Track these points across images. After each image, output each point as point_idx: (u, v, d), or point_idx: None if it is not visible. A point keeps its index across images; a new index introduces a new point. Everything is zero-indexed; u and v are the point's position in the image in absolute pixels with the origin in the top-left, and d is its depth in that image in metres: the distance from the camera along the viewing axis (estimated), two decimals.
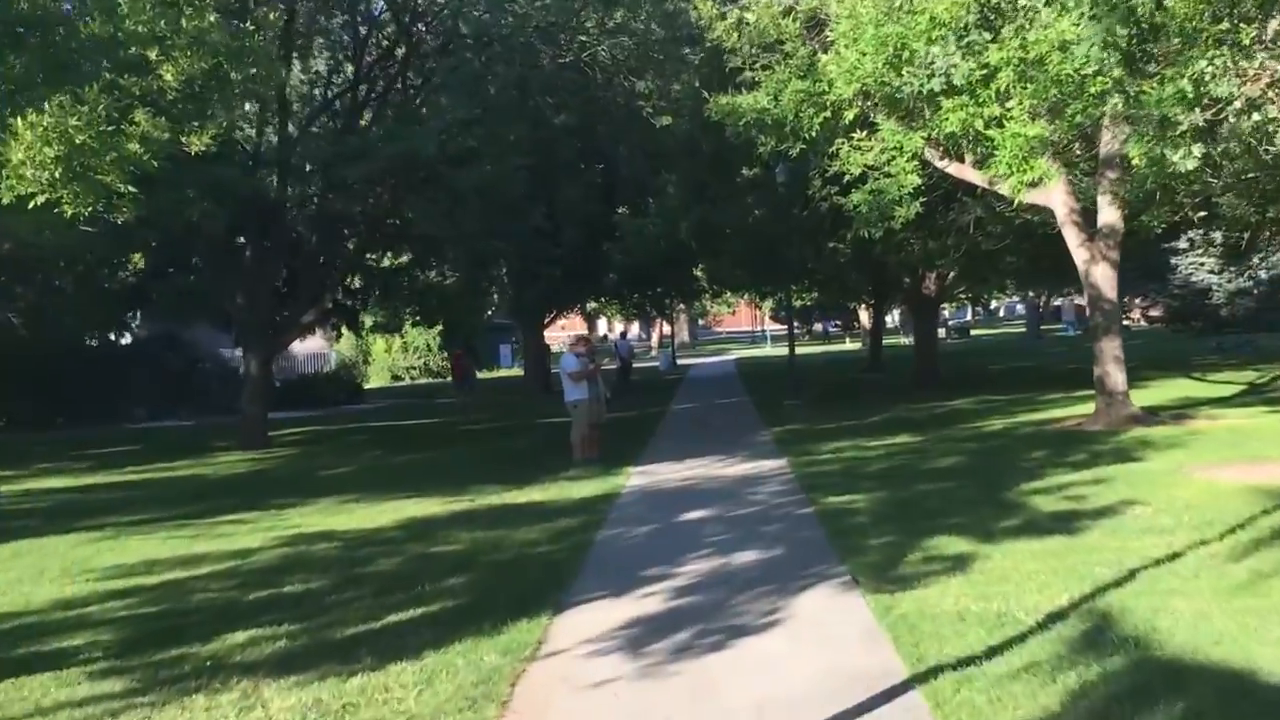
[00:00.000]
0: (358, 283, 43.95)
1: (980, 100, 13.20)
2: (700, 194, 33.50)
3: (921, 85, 11.80)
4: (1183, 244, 58.09)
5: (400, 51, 25.42)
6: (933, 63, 11.80)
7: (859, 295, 50.50)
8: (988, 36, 11.18)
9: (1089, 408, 22.95)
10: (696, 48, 24.15)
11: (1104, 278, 19.96)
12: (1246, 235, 34.00)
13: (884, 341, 52.10)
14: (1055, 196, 20.02)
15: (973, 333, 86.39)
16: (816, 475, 16.10)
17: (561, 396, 19.84)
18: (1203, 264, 61.84)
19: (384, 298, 43.19)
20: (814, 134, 16.75)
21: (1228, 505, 11.71)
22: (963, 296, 60.63)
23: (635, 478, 17.18)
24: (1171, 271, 55.79)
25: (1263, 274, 61.88)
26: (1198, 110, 10.65)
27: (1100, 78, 12.74)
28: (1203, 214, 28.47)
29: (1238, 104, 10.48)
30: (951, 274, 34.96)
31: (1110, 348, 20.06)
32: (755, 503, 14.07)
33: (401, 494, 16.59)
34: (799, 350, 73.65)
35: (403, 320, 43.95)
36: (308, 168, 24.77)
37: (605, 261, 39.77)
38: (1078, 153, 15.53)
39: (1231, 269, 59.21)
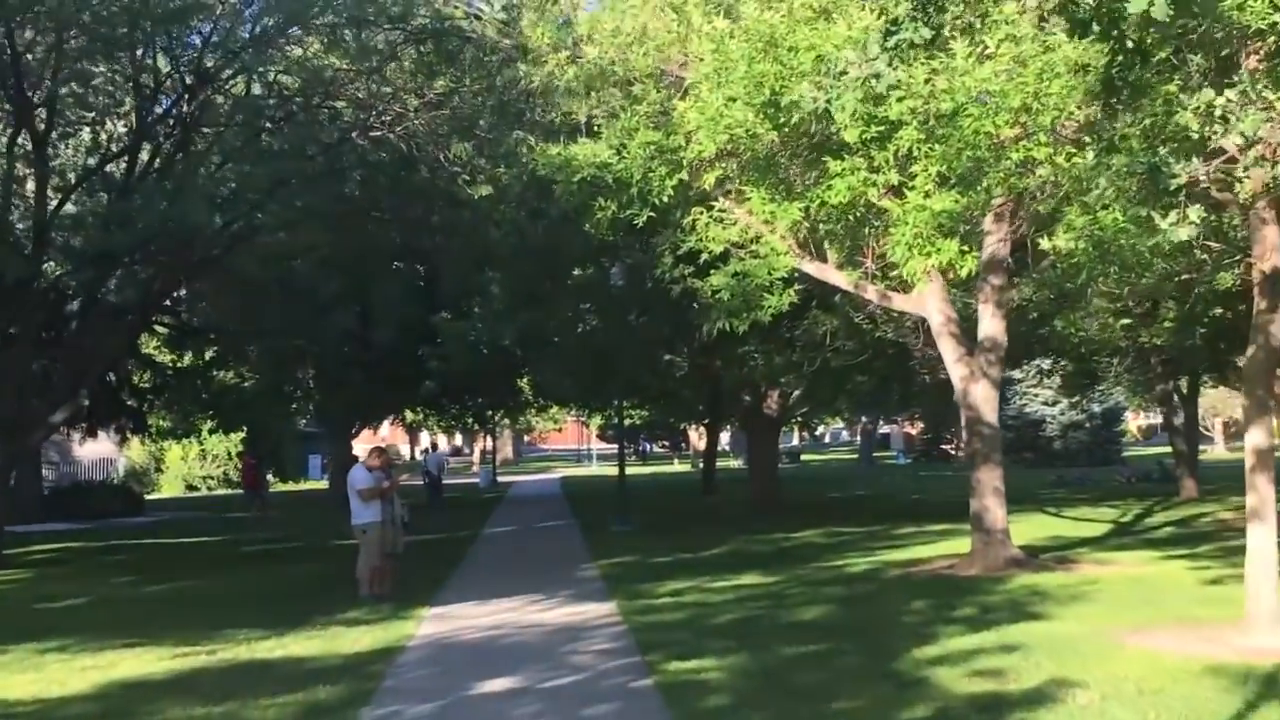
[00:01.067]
0: (145, 381, 40.09)
1: (875, 164, 10.50)
2: (528, 296, 30.59)
3: (831, 98, 8.98)
4: (1017, 373, 57.39)
5: (184, 110, 22.08)
6: (843, 72, 8.98)
7: (693, 413, 48.07)
8: (926, 34, 8.42)
9: (953, 546, 20.44)
10: (527, 111, 21.28)
11: (984, 398, 17.47)
12: (1105, 362, 32.20)
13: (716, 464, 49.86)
14: (930, 303, 17.54)
15: (803, 458, 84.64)
16: (654, 628, 12.97)
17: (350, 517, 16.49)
18: (1037, 395, 61.27)
19: (174, 399, 39.30)
20: (666, 199, 13.86)
21: (1193, 692, 8.96)
22: (800, 419, 58.58)
23: (429, 623, 13.84)
24: (1005, 402, 54.06)
25: (1095, 407, 61.54)
26: (1196, 159, 8.04)
27: (1026, 142, 10.18)
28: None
29: (1257, 151, 7.90)
30: (795, 393, 32.54)
31: (990, 479, 17.49)
32: (577, 667, 10.87)
33: (128, 638, 12.99)
34: (627, 471, 71.09)
35: (195, 424, 39.85)
36: (67, 241, 21.20)
37: (423, 368, 36.39)
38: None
39: (1066, 400, 58.65)
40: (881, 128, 10.42)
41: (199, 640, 12.75)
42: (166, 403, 39.36)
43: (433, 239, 32.68)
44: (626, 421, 70.29)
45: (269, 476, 36.43)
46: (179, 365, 38.58)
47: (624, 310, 30.21)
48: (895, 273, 19.78)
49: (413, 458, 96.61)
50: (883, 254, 18.21)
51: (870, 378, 30.55)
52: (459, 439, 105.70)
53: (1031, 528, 23.46)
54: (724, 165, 13.45)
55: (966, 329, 18.34)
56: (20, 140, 21.21)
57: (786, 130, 11.25)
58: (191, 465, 57.68)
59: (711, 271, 14.99)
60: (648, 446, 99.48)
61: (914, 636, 11.82)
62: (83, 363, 21.94)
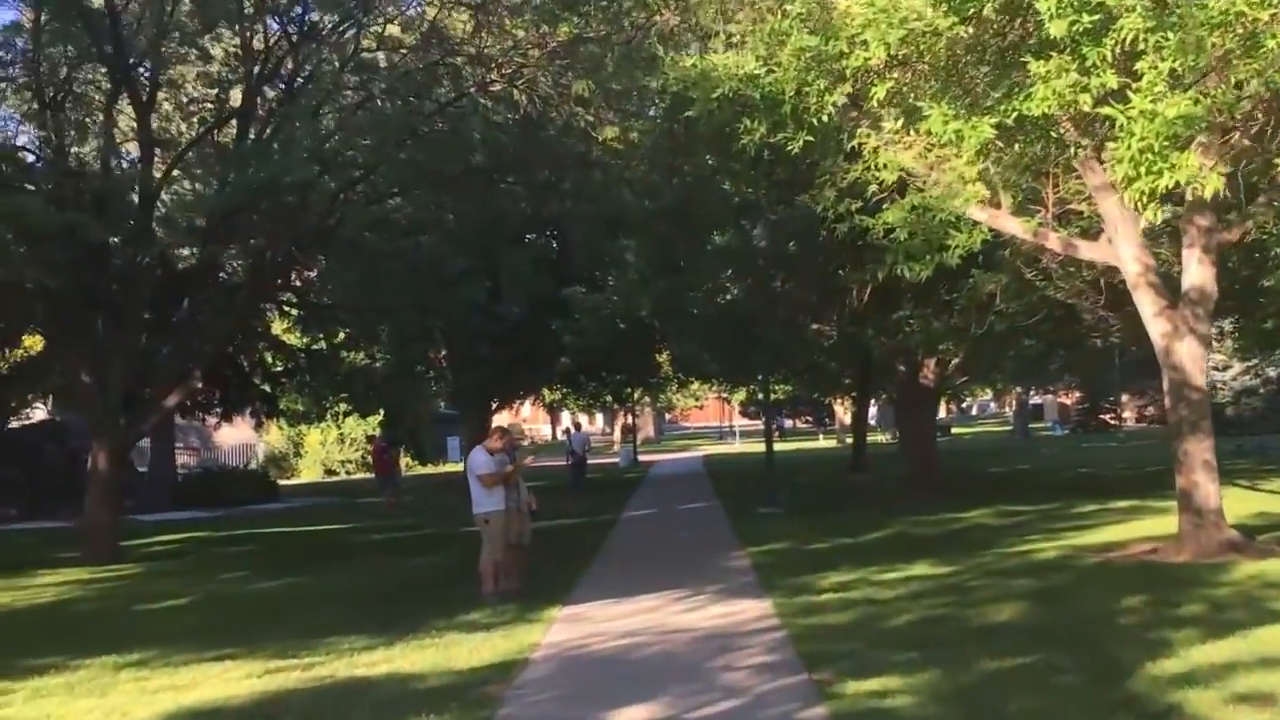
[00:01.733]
0: (277, 363, 39.16)
1: (1088, 63, 8.35)
2: (665, 263, 28.74)
3: None
4: None
5: (292, 68, 20.60)
6: None
7: (840, 386, 45.84)
8: None
9: (1149, 526, 18.09)
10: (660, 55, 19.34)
11: (1191, 358, 15.08)
12: None
13: (851, 438, 47.17)
14: (1124, 249, 15.17)
15: (953, 431, 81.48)
16: (819, 634, 11.00)
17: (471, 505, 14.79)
18: (1209, 358, 57.32)
19: (305, 382, 38.32)
20: (826, 119, 11.67)
21: None
22: (951, 391, 55.68)
23: (559, 628, 12.06)
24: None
25: (1271, 372, 57.64)
26: None
27: None
28: None
29: None
30: (953, 361, 30.18)
31: (1199, 450, 15.10)
32: (731, 689, 8.94)
33: (220, 648, 11.45)
34: (763, 447, 68.95)
35: (325, 408, 38.80)
36: (173, 212, 19.93)
37: (557, 344, 34.79)
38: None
39: (1240, 364, 55.00)
40: (1096, 17, 8.28)
41: (298, 651, 11.15)
42: (297, 386, 38.43)
43: (562, 205, 31.02)
44: (770, 397, 68.23)
45: (401, 460, 35.10)
46: (310, 348, 37.64)
47: (768, 276, 28.20)
48: (1078, 218, 17.62)
49: (554, 438, 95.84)
50: (1066, 196, 16.02)
51: (1038, 342, 28.08)
52: (599, 418, 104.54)
53: (1231, 502, 20.87)
54: (897, 76, 11.28)
55: (1167, 280, 15.96)
56: (122, 104, 19.97)
57: (975, 24, 9.12)
58: (330, 449, 57.08)
59: (884, 207, 12.80)
60: (785, 423, 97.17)
61: (1140, 644, 9.66)
62: (195, 343, 20.64)
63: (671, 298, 29.06)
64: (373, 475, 35.89)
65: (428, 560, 19.25)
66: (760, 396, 64.78)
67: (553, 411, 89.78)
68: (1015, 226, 15.22)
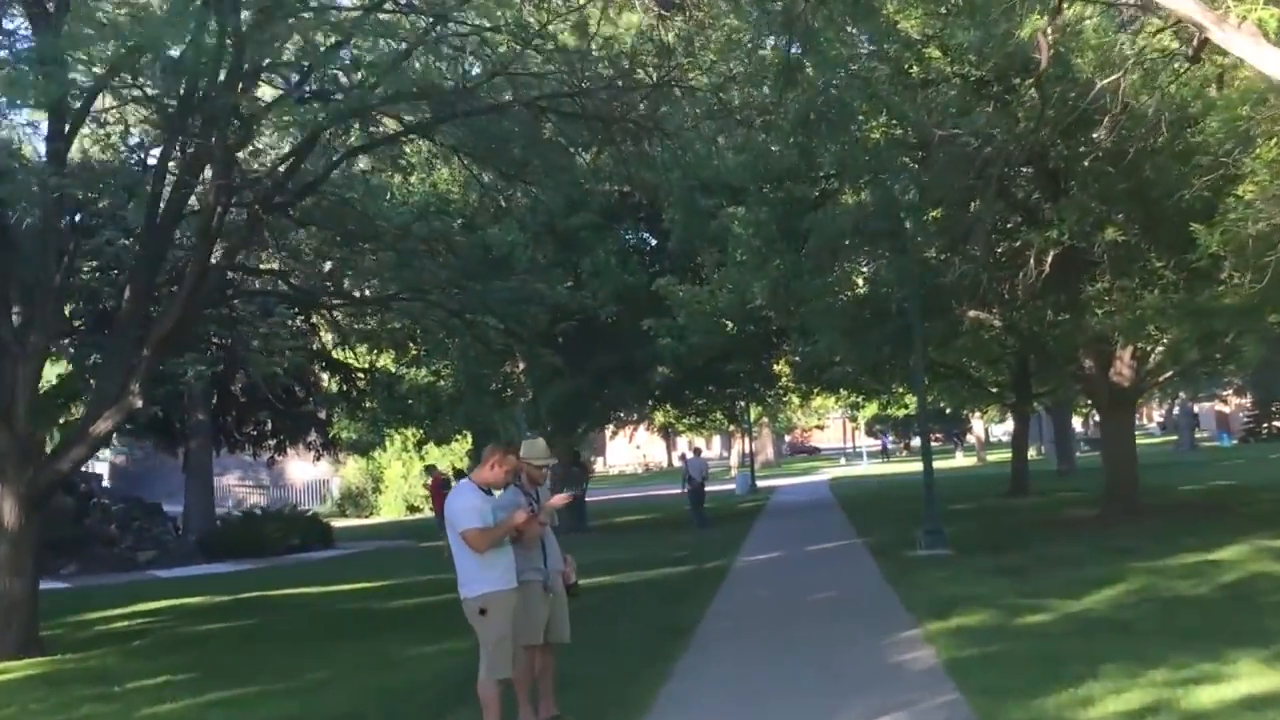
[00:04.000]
0: (333, 386, 33.84)
1: None
2: (781, 237, 22.55)
3: None
4: None
5: None
6: None
7: (987, 394, 39.10)
8: None
9: None
10: None
11: None
12: None
13: (991, 455, 39.94)
14: None
15: None
16: None
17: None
18: None
19: (359, 405, 32.88)
20: None
21: None
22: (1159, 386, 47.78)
23: None
24: None
25: None
26: None
27: None
28: None
29: None
30: (1155, 349, 23.50)
31: None
32: None
33: None
34: (893, 469, 61.69)
35: (384, 435, 33.13)
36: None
37: (652, 350, 28.67)
38: None
39: None
40: None
41: None
42: (349, 410, 32.96)
43: (655, 175, 24.97)
44: (898, 411, 61.25)
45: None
46: (374, 367, 32.16)
47: (919, 248, 21.89)
48: None
49: (669, 465, 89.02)
50: None
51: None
52: (716, 442, 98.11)
53: None
54: None
55: None
56: None
57: None
58: (413, 483, 51.44)
59: None
60: (889, 441, 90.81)
61: None
62: (133, 344, 14.84)
63: (791, 281, 22.89)
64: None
65: (454, 647, 13.12)
66: (892, 409, 58.25)
67: (668, 436, 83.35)
68: None
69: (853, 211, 21.34)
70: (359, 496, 50.64)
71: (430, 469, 30.49)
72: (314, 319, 27.60)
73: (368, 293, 21.03)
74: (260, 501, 48.03)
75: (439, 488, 28.06)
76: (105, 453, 56.66)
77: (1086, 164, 18.54)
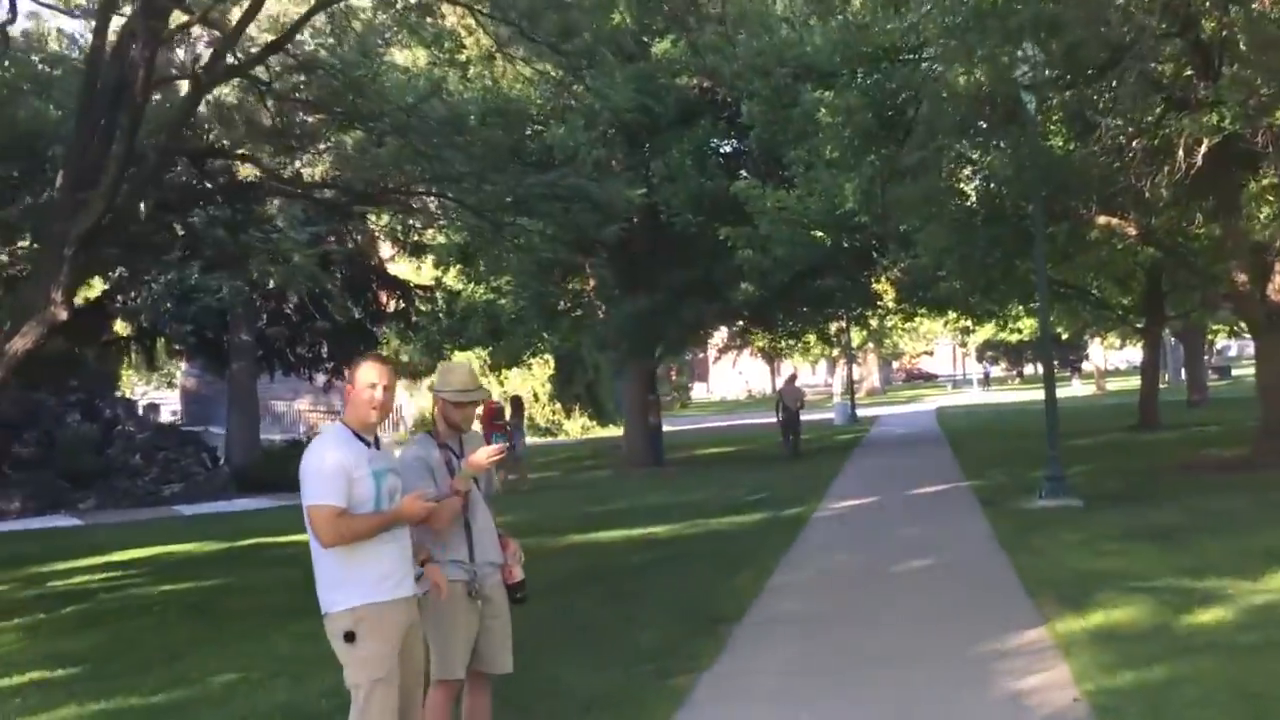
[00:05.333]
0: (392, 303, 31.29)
1: None
2: (880, 126, 19.12)
3: None
4: None
5: None
6: None
7: (1111, 317, 35.23)
8: None
9: None
10: None
11: None
12: None
13: (1111, 384, 35.67)
14: None
15: (1234, 373, 68.74)
16: None
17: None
18: None
19: (406, 322, 30.28)
20: None
21: None
22: None
23: None
24: None
25: None
26: None
27: None
28: None
29: None
30: None
31: None
32: None
33: None
34: (1007, 397, 57.47)
35: (439, 355, 30.30)
36: None
37: (733, 264, 25.38)
38: None
39: None
40: None
41: None
42: (399, 330, 30.34)
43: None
44: (1010, 336, 57.05)
45: (523, 427, 26.17)
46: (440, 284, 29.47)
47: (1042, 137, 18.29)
48: None
49: (773, 392, 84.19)
50: None
51: None
52: (820, 368, 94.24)
53: None
54: None
55: None
56: None
57: None
58: None
59: None
60: (991, 369, 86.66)
61: None
62: (60, 239, 11.84)
63: (889, 181, 19.49)
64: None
65: None
66: (1004, 334, 54.17)
67: (771, 361, 79.37)
68: None
69: (963, 94, 17.74)
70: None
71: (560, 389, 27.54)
72: (349, 224, 24.73)
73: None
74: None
75: (490, 418, 25.05)
76: (178, 376, 54.94)
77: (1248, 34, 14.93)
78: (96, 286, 29.01)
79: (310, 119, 16.33)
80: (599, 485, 25.21)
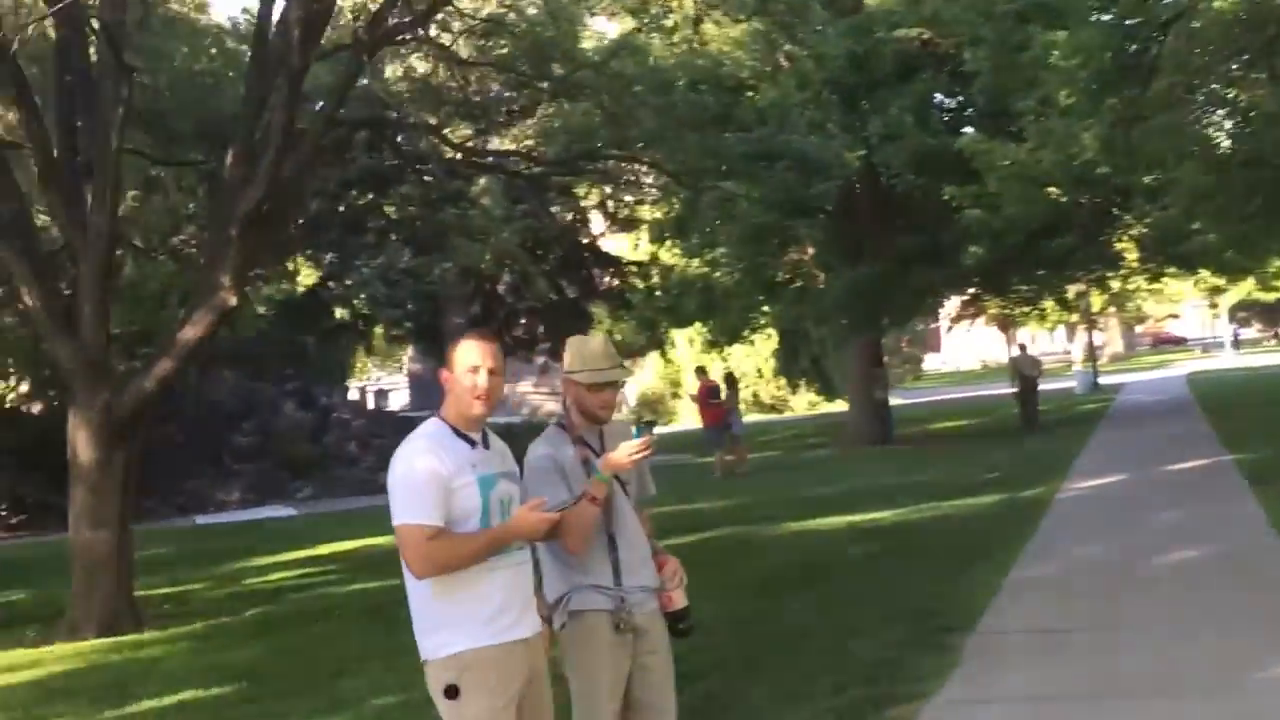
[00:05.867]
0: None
1: None
2: (1122, 66, 17.27)
3: None
4: None
5: None
6: None
7: None
8: None
9: None
10: None
11: None
12: None
13: None
14: None
15: None
16: None
17: None
18: None
19: (617, 299, 29.56)
20: None
21: None
22: None
23: None
24: None
25: None
26: None
27: None
28: None
29: None
30: None
31: None
32: None
33: None
34: (1263, 360, 53.31)
35: (652, 333, 29.41)
36: None
37: (958, 225, 23.72)
38: None
39: None
40: None
41: None
42: (610, 308, 29.59)
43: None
44: (1269, 295, 53.05)
45: (739, 406, 24.88)
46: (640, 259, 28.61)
47: None
48: None
49: (1009, 363, 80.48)
50: None
51: None
52: (1057, 335, 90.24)
53: None
54: None
55: None
56: None
57: None
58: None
59: None
60: (1239, 332, 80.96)
61: None
62: (232, 216, 11.12)
63: (1132, 125, 17.61)
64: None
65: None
66: (1261, 293, 50.23)
67: (1006, 329, 75.97)
68: None
69: (1225, 17, 15.80)
70: (655, 403, 47.32)
71: (699, 372, 26.38)
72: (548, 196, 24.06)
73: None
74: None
75: (706, 397, 24.01)
76: (404, 361, 55.60)
77: None
78: (312, 275, 29.09)
79: (503, 91, 15.55)
80: (821, 465, 23.92)
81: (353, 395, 41.34)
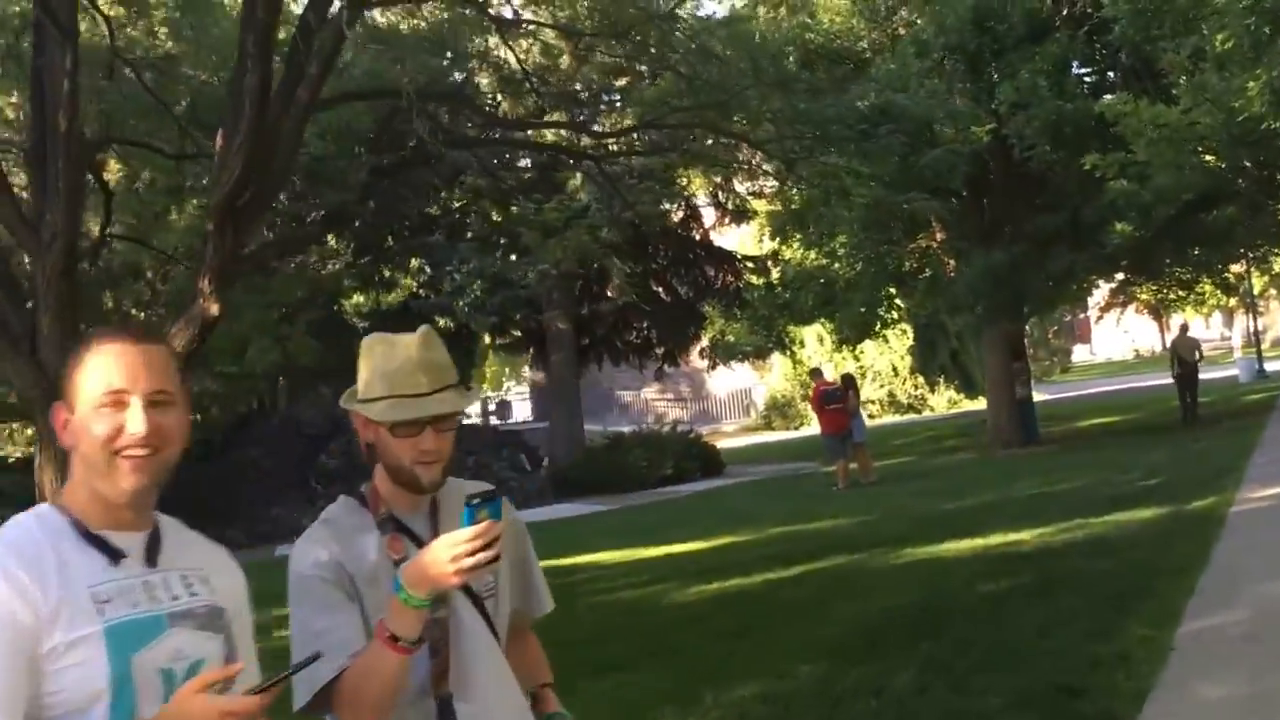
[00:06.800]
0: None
1: None
2: None
3: None
4: None
5: None
6: None
7: None
8: None
9: None
10: None
11: None
12: None
13: None
14: None
15: None
16: None
17: None
18: None
19: (730, 298, 27.64)
20: None
21: None
22: None
23: None
24: None
25: None
26: None
27: None
28: None
29: None
30: None
31: None
32: None
33: None
34: None
35: (768, 332, 27.18)
36: None
37: (1101, 200, 21.18)
38: None
39: None
40: None
41: None
42: (722, 308, 27.64)
43: None
44: None
45: (859, 409, 22.41)
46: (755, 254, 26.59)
47: None
48: None
49: (1164, 349, 75.96)
50: None
51: None
52: (1214, 320, 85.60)
53: None
54: None
55: None
56: None
57: None
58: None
59: None
60: None
61: None
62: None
63: None
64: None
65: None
66: None
67: (1159, 316, 71.84)
68: None
69: None
70: (785, 406, 44.98)
71: (814, 374, 24.07)
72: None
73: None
74: (683, 417, 43.48)
75: (821, 401, 21.73)
76: (525, 370, 54.11)
77: None
78: (407, 287, 27.61)
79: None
80: (957, 472, 21.57)
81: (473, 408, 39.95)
